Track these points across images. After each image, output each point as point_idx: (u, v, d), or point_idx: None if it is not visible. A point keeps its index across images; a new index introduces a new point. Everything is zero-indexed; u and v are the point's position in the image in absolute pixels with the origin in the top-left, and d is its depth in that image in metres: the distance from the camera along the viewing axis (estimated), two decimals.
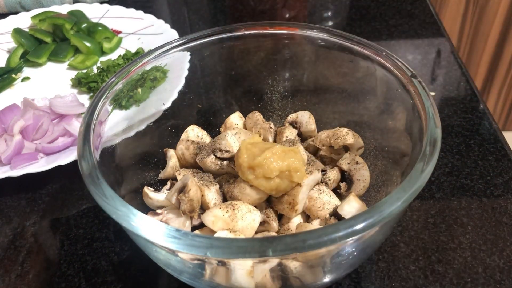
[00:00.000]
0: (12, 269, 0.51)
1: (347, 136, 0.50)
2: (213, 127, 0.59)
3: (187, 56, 0.55)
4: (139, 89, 0.52)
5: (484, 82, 1.66)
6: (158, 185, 0.53)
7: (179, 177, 0.50)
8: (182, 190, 0.43)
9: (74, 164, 0.58)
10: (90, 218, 0.56)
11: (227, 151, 0.49)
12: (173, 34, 0.84)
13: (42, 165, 0.60)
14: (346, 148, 0.51)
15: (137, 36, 0.88)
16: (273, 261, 0.35)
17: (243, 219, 0.42)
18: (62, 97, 0.69)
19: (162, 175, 0.53)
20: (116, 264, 0.51)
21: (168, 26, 0.86)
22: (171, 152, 0.53)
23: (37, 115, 0.65)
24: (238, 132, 0.52)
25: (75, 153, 0.56)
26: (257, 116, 0.56)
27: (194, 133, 0.55)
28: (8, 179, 0.59)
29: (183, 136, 0.54)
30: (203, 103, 0.59)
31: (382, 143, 0.52)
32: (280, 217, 0.48)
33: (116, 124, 0.48)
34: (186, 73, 0.57)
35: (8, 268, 0.52)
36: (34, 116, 0.65)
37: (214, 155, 0.49)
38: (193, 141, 0.53)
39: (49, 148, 0.63)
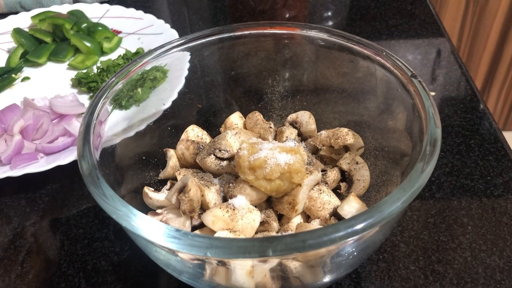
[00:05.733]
0: (12, 269, 0.51)
1: (347, 136, 0.50)
2: (213, 127, 0.59)
3: (187, 56, 0.55)
4: (139, 89, 0.52)
5: (484, 82, 1.66)
6: (158, 185, 0.53)
7: (179, 177, 0.50)
8: (182, 190, 0.43)
9: (74, 164, 0.58)
10: (90, 218, 0.56)
11: (227, 151, 0.49)
12: (173, 34, 0.84)
13: (42, 165, 0.60)
14: (346, 148, 0.51)
15: (137, 36, 0.88)
16: (273, 261, 0.35)
17: (243, 219, 0.42)
18: (62, 97, 0.69)
19: (162, 175, 0.53)
20: (116, 264, 0.51)
21: (168, 26, 0.86)
22: (171, 152, 0.53)
23: (37, 115, 0.65)
24: (238, 132, 0.52)
25: (75, 153, 0.56)
26: (257, 116, 0.56)
27: (194, 133, 0.55)
28: (8, 179, 0.59)
29: (183, 136, 0.54)
30: (203, 103, 0.59)
31: (382, 143, 0.52)
32: (280, 217, 0.48)
33: (116, 124, 0.48)
34: (186, 73, 0.57)
35: (8, 268, 0.52)
36: (34, 116, 0.65)
37: (214, 155, 0.49)
38: (193, 141, 0.53)
39: (49, 148, 0.63)
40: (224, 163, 0.49)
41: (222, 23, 0.95)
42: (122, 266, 0.51)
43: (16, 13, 0.93)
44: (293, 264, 0.37)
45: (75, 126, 0.66)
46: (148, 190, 0.49)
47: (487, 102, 1.70)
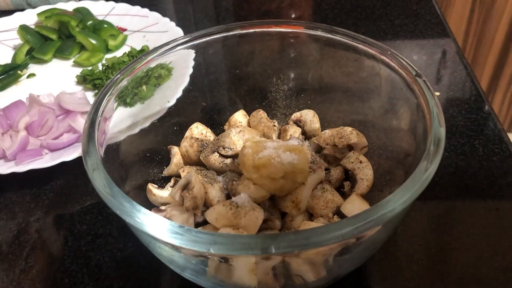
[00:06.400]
0: (16, 264, 0.52)
1: (351, 135, 0.50)
2: (217, 125, 0.59)
3: (191, 54, 0.55)
4: (144, 87, 0.52)
5: (489, 82, 1.66)
6: (162, 182, 0.54)
7: (182, 174, 0.50)
8: (186, 187, 0.43)
9: (78, 160, 0.58)
10: (94, 215, 0.56)
11: (231, 149, 0.49)
12: (178, 32, 0.84)
13: (46, 161, 0.60)
14: (350, 147, 0.51)
15: (142, 33, 0.88)
16: (276, 259, 0.35)
17: (246, 216, 0.42)
18: (71, 94, 0.69)
19: (166, 172, 0.53)
20: (120, 260, 0.51)
21: (173, 24, 0.86)
22: (175, 149, 0.53)
23: (42, 112, 0.65)
24: (242, 130, 0.53)
25: (80, 150, 0.57)
26: (261, 114, 0.56)
27: (198, 130, 0.55)
28: (13, 175, 0.59)
29: (187, 134, 0.55)
30: (208, 101, 0.59)
31: (386, 143, 0.52)
32: (283, 215, 0.48)
33: (121, 121, 0.49)
34: (190, 71, 0.57)
35: (13, 263, 0.52)
36: (39, 113, 0.65)
37: (218, 152, 0.49)
38: (197, 138, 0.53)
39: (53, 145, 0.63)
40: (228, 160, 0.49)
41: (227, 21, 0.95)
42: (126, 262, 0.51)
43: (22, 10, 0.94)
44: (296, 262, 0.37)
45: (80, 122, 0.66)
46: (152, 187, 0.49)
47: (492, 103, 1.70)
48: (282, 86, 0.59)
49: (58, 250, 0.53)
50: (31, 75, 0.81)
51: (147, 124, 0.53)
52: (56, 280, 0.50)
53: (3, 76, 0.80)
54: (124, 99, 0.49)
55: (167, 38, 0.82)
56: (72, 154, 0.60)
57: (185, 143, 0.52)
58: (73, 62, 0.83)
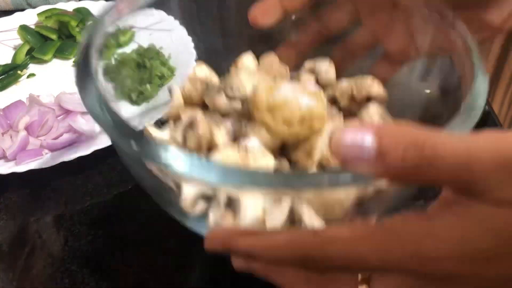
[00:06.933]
0: (16, 264, 0.51)
1: (373, 86, 0.44)
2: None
3: (193, 54, 0.53)
4: (148, 85, 0.50)
5: (489, 82, 1.65)
6: (160, 126, 0.48)
7: (184, 116, 0.45)
8: (190, 126, 0.39)
9: (78, 160, 0.58)
10: (93, 215, 0.56)
11: (239, 90, 0.43)
12: (182, 31, 0.83)
13: (46, 161, 0.60)
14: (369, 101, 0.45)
15: (149, 31, 0.88)
16: (285, 208, 0.32)
17: (256, 162, 0.37)
18: (71, 94, 0.69)
19: (165, 114, 0.48)
20: (120, 260, 0.51)
21: (177, 22, 0.86)
22: (176, 90, 0.48)
23: (42, 112, 0.65)
24: (251, 73, 0.46)
25: (80, 150, 0.57)
26: (272, 58, 0.49)
27: (202, 71, 0.49)
28: (13, 175, 0.58)
29: (190, 74, 0.49)
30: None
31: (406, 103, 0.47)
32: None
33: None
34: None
35: (12, 263, 0.51)
36: (39, 113, 0.65)
37: (225, 93, 0.44)
38: (201, 78, 0.47)
39: (54, 145, 0.63)
40: (236, 103, 0.43)
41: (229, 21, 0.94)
42: (126, 262, 0.50)
43: (22, 10, 0.94)
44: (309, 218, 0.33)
45: (80, 123, 0.66)
46: (150, 128, 0.44)
47: (492, 103, 1.69)
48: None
49: (58, 250, 0.52)
50: (31, 75, 0.81)
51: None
52: (56, 280, 0.49)
53: (3, 76, 0.79)
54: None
55: (171, 36, 0.82)
56: (72, 154, 0.60)
57: (188, 83, 0.47)
58: (73, 62, 0.83)
